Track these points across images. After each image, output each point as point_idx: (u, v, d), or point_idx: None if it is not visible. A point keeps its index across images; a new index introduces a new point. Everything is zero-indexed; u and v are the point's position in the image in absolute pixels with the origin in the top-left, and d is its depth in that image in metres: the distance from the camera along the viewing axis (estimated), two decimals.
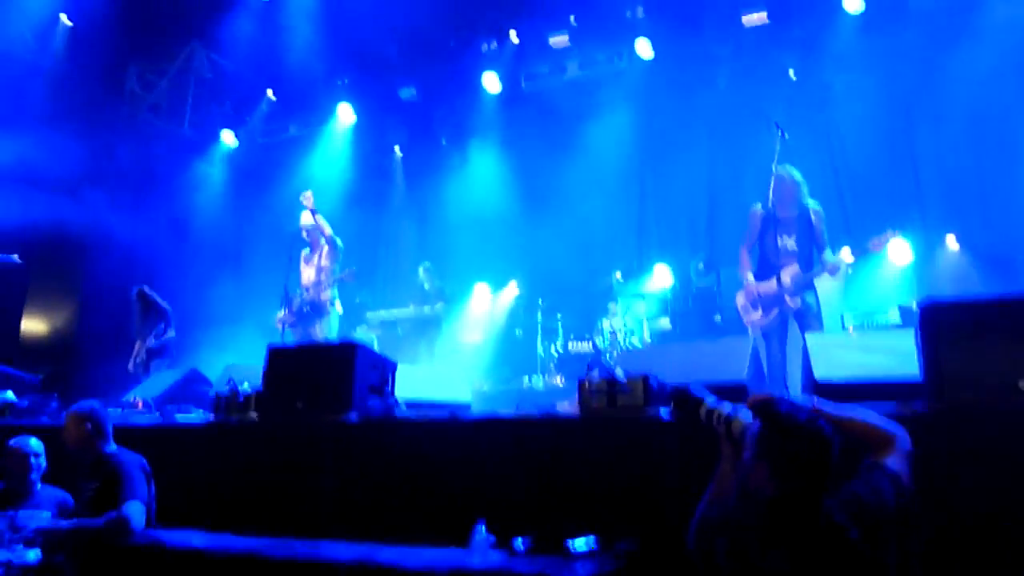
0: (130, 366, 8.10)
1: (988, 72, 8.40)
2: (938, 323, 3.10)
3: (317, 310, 7.43)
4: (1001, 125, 8.62)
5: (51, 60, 10.53)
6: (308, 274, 7.62)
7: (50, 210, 10.08)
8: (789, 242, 5.87)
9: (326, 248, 7.59)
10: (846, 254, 5.92)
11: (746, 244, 6.19)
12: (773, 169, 5.61)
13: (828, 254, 5.93)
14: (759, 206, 6.10)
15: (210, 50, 12.08)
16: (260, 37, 11.13)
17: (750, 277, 6.04)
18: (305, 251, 7.82)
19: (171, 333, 8.15)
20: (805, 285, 5.86)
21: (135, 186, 11.15)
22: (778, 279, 5.60)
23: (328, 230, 7.55)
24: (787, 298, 5.76)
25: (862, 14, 9.12)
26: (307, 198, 7.46)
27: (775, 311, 5.79)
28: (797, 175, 5.87)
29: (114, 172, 10.72)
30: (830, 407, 2.41)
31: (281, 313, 7.45)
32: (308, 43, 10.97)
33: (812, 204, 6.04)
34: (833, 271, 5.85)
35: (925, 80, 9.03)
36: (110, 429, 4.15)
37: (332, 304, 7.55)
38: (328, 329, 7.43)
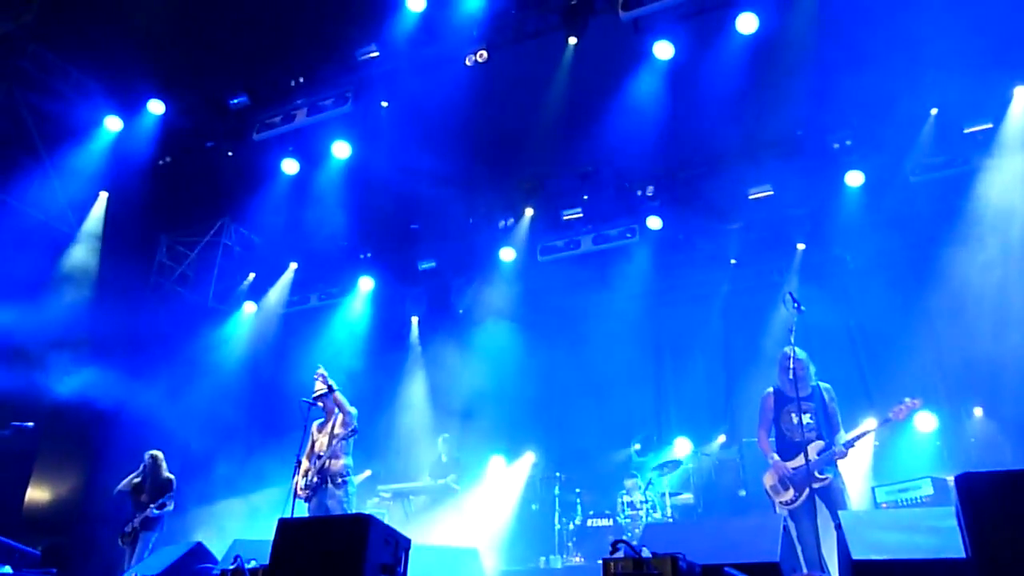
0: (137, 522, 7.84)
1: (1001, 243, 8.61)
2: (981, 499, 2.96)
3: (330, 479, 7.14)
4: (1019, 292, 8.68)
5: (85, 232, 10.95)
6: (321, 442, 7.41)
7: (69, 376, 10.13)
8: (806, 418, 5.85)
9: (340, 416, 7.41)
10: (870, 423, 5.89)
11: (764, 427, 6.19)
12: (791, 339, 5.61)
13: (840, 435, 5.91)
14: (771, 389, 6.17)
15: (238, 224, 12.63)
16: (287, 212, 11.64)
17: (776, 457, 5.97)
18: (318, 420, 7.65)
19: (170, 506, 8.03)
20: (830, 460, 5.79)
21: (155, 355, 11.17)
22: (805, 455, 5.49)
23: (347, 407, 7.39)
24: (815, 474, 5.63)
25: (863, 187, 9.55)
26: (321, 376, 7.42)
27: (806, 491, 5.63)
28: (802, 353, 5.90)
29: (136, 341, 10.77)
30: None
31: (298, 481, 7.17)
32: (333, 218, 11.45)
33: (823, 384, 6.09)
34: (840, 456, 5.79)
35: (933, 250, 9.21)
36: None
37: (347, 474, 7.26)
38: (344, 501, 7.09)
